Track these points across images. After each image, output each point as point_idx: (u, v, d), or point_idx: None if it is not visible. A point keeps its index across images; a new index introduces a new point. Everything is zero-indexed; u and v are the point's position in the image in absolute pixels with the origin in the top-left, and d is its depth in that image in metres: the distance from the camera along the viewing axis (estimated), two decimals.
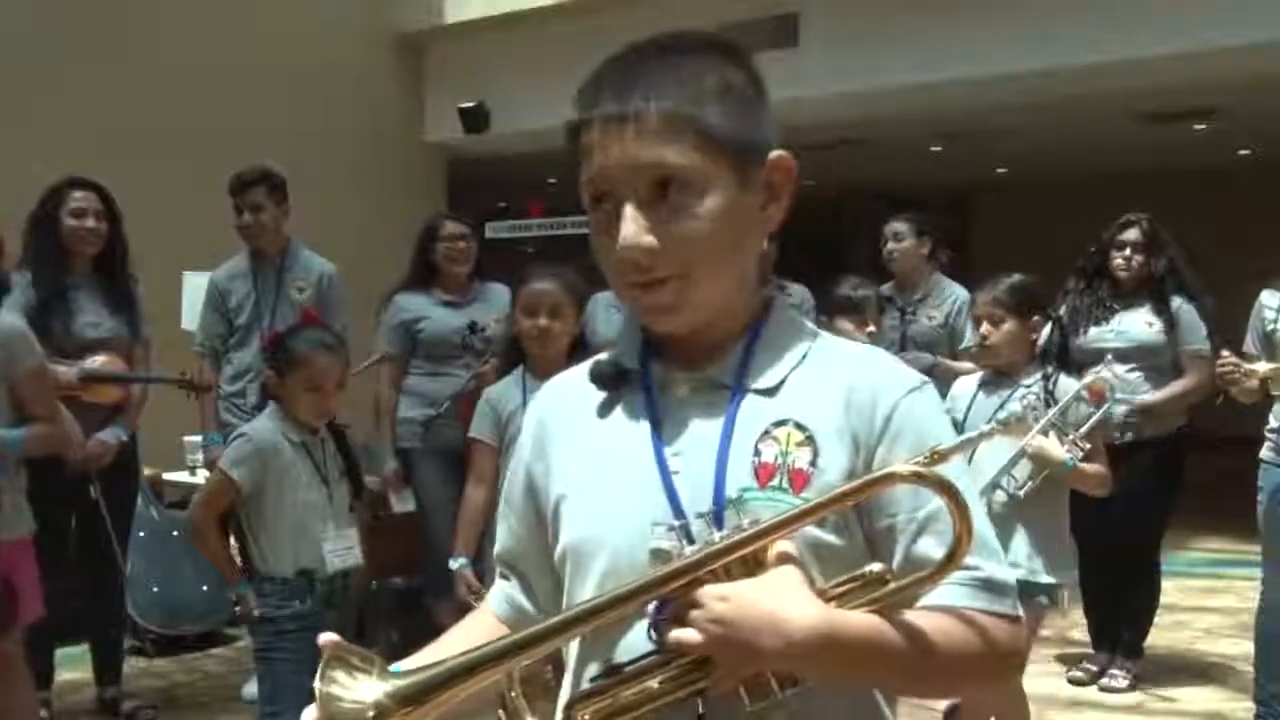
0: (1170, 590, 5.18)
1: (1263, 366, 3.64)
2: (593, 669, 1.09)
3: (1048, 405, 3.19)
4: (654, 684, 1.02)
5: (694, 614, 0.98)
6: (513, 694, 1.03)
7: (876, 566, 1.03)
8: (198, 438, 5.05)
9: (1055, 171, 11.77)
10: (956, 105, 8.04)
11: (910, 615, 1.03)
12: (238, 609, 3.12)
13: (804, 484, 1.07)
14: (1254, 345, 3.88)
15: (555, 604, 1.21)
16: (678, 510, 1.08)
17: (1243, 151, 10.88)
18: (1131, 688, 4.46)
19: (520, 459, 1.26)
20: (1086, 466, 3.19)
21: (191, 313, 5.71)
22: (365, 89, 9.28)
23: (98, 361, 3.97)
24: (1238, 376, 3.63)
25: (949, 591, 1.05)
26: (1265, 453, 3.80)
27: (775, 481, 1.08)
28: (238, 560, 3.28)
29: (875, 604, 1.02)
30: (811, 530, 1.04)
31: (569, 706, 1.06)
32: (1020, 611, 1.08)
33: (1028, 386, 3.24)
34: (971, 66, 6.91)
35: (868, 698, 1.11)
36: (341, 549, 3.06)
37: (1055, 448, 3.13)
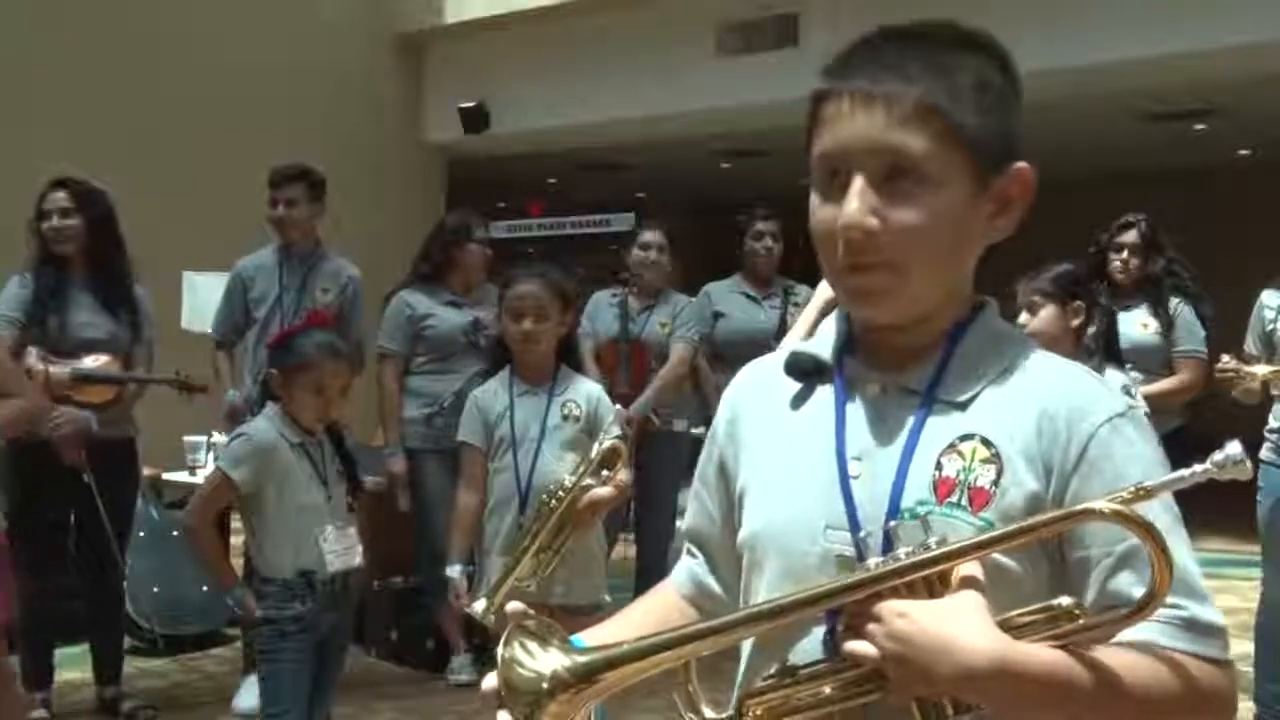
0: None
1: (1262, 369, 3.63)
2: (767, 666, 1.08)
3: None
4: (826, 689, 1.02)
5: (872, 628, 0.96)
6: (690, 686, 1.04)
7: (1066, 600, 0.99)
8: (198, 438, 5.05)
9: (1055, 171, 11.76)
10: None
11: (1102, 652, 0.98)
12: (238, 611, 3.11)
13: (984, 503, 1.03)
14: (1254, 345, 3.88)
15: (739, 585, 1.21)
16: (853, 517, 1.07)
17: (1243, 151, 10.88)
18: None
19: (714, 440, 1.25)
20: None
21: (191, 313, 5.73)
22: (365, 89, 9.29)
23: (91, 362, 3.97)
24: (1238, 379, 3.62)
25: (1148, 629, 0.99)
26: (1265, 453, 3.80)
27: (954, 498, 1.04)
28: (239, 561, 3.27)
29: (1061, 639, 0.97)
30: (993, 554, 1.00)
31: (742, 700, 1.06)
32: (1229, 657, 1.03)
33: None
34: None
35: None
36: (341, 549, 3.04)
37: None
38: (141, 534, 4.82)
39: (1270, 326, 3.82)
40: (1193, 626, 1.01)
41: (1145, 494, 0.96)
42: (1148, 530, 0.95)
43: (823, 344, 1.18)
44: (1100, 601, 1.01)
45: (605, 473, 2.92)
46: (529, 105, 9.13)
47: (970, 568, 0.98)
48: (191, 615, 4.88)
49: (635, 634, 1.06)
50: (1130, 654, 0.99)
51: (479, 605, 2.85)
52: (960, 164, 1.05)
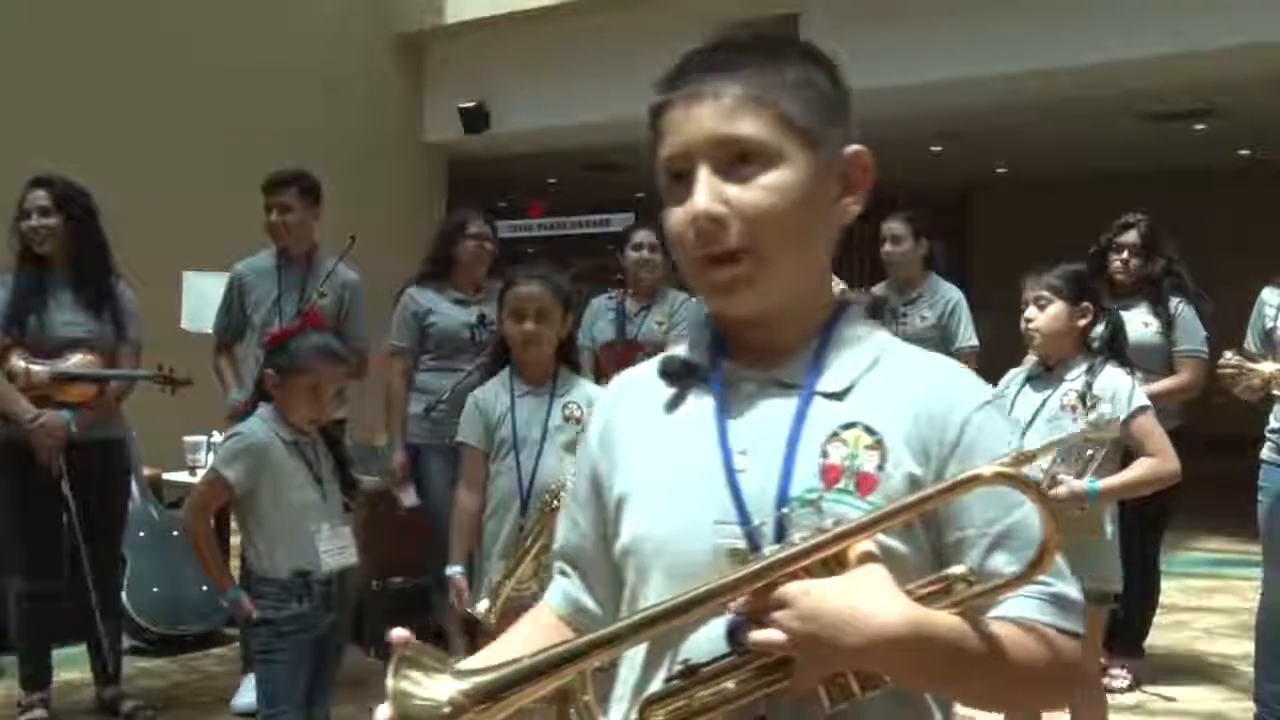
0: (1170, 590, 5.18)
1: (1268, 367, 3.63)
2: (662, 669, 1.08)
3: (1083, 400, 3.08)
4: (730, 685, 1.01)
5: (780, 614, 0.97)
6: (585, 696, 1.03)
7: (959, 569, 1.03)
8: (198, 438, 5.05)
9: (1055, 171, 11.78)
10: (956, 105, 8.04)
11: (990, 622, 1.03)
12: (236, 612, 3.11)
13: (871, 488, 1.07)
14: (1254, 343, 3.88)
15: (615, 601, 1.21)
16: (742, 510, 1.08)
17: (1243, 151, 10.88)
18: (1131, 688, 4.45)
19: (587, 454, 1.26)
20: (1133, 471, 3.06)
21: (191, 313, 5.72)
22: (365, 89, 9.29)
23: (74, 361, 3.97)
24: (1240, 376, 3.62)
25: (1021, 604, 1.05)
26: (1266, 452, 3.80)
27: (841, 484, 1.07)
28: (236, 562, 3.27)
29: (955, 607, 1.01)
30: (879, 535, 1.03)
31: (644, 706, 1.05)
32: (1083, 629, 1.09)
33: (1070, 381, 3.09)
34: (971, 66, 6.92)
35: (925, 710, 1.10)
36: (336, 548, 3.04)
37: (1075, 484, 2.96)
38: (141, 534, 4.82)
39: (1271, 324, 3.82)
40: (1059, 601, 1.07)
41: (1028, 458, 1.01)
42: (1034, 487, 1.00)
43: (694, 347, 1.20)
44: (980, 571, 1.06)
45: None
46: (529, 105, 9.13)
47: (866, 545, 1.00)
48: (191, 615, 4.88)
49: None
50: (1009, 625, 1.04)
51: (480, 606, 2.85)
52: (795, 146, 1.09)
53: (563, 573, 1.28)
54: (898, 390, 1.11)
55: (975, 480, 1.00)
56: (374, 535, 4.56)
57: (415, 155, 9.97)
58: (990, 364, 3.37)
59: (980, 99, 7.71)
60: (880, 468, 1.08)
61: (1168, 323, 4.37)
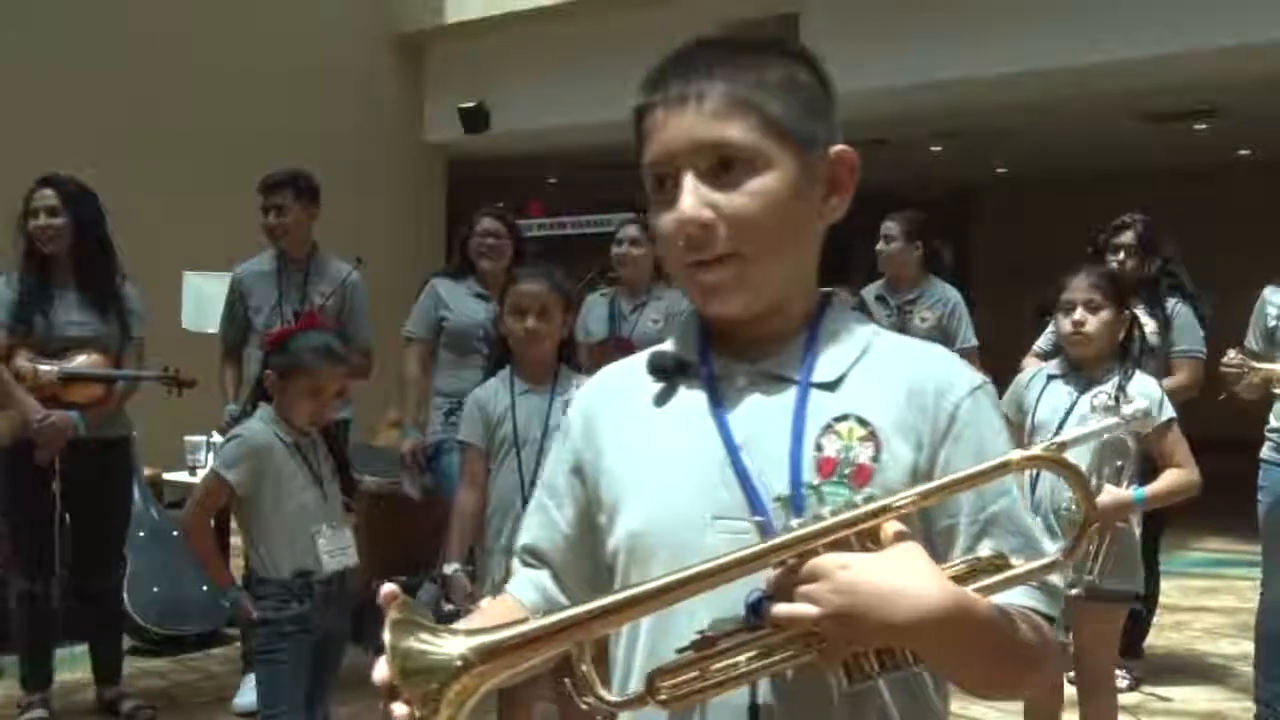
0: (1170, 590, 5.18)
1: (1270, 367, 3.63)
2: (666, 641, 1.06)
3: (1117, 403, 3.07)
4: (743, 659, 1.00)
5: (813, 586, 0.95)
6: (584, 666, 0.99)
7: (987, 552, 1.04)
8: (198, 438, 5.05)
9: (1055, 171, 11.77)
10: (956, 105, 8.04)
11: (1008, 607, 1.04)
12: (236, 612, 3.11)
13: (866, 479, 1.07)
14: (1256, 342, 3.88)
15: (587, 598, 1.20)
16: (755, 500, 1.07)
17: (1243, 151, 10.88)
18: (1131, 688, 4.45)
19: (567, 448, 1.24)
20: (1165, 481, 3.04)
21: (191, 313, 5.73)
22: (365, 89, 9.29)
23: (80, 361, 3.97)
24: (1243, 374, 3.61)
25: (1020, 592, 1.07)
26: (1265, 452, 3.80)
27: (836, 476, 1.08)
28: (240, 562, 3.27)
29: (983, 591, 1.02)
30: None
31: (652, 677, 1.01)
32: (1058, 614, 1.11)
33: (1102, 385, 3.07)
34: (971, 66, 6.92)
35: (923, 693, 1.11)
36: (337, 549, 3.04)
37: (1120, 493, 2.97)
38: (141, 534, 4.82)
39: (1273, 324, 3.82)
40: (1047, 589, 1.09)
41: (1060, 448, 1.02)
42: (1071, 469, 1.02)
43: (682, 342, 1.20)
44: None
45: None
46: (529, 105, 9.12)
47: (898, 524, 0.99)
48: (191, 615, 4.88)
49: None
50: (1015, 610, 1.05)
51: (483, 604, 2.84)
52: (781, 149, 1.09)
53: (529, 565, 1.26)
54: (890, 377, 1.12)
55: (1007, 466, 1.02)
56: (374, 535, 4.57)
57: (415, 155, 9.96)
58: (990, 363, 3.37)
59: (980, 99, 7.71)
60: (875, 458, 1.08)
61: (1165, 323, 4.36)
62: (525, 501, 3.00)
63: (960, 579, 1.01)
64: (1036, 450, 1.02)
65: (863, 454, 1.08)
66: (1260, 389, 3.65)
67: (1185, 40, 6.50)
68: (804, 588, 0.96)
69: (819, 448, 1.09)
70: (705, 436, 1.12)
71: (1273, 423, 3.79)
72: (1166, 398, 3.13)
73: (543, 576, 1.24)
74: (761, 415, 1.12)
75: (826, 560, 0.96)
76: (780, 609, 0.97)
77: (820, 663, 0.98)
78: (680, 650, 1.03)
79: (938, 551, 1.06)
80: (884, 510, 0.98)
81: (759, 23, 7.82)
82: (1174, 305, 4.39)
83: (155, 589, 4.81)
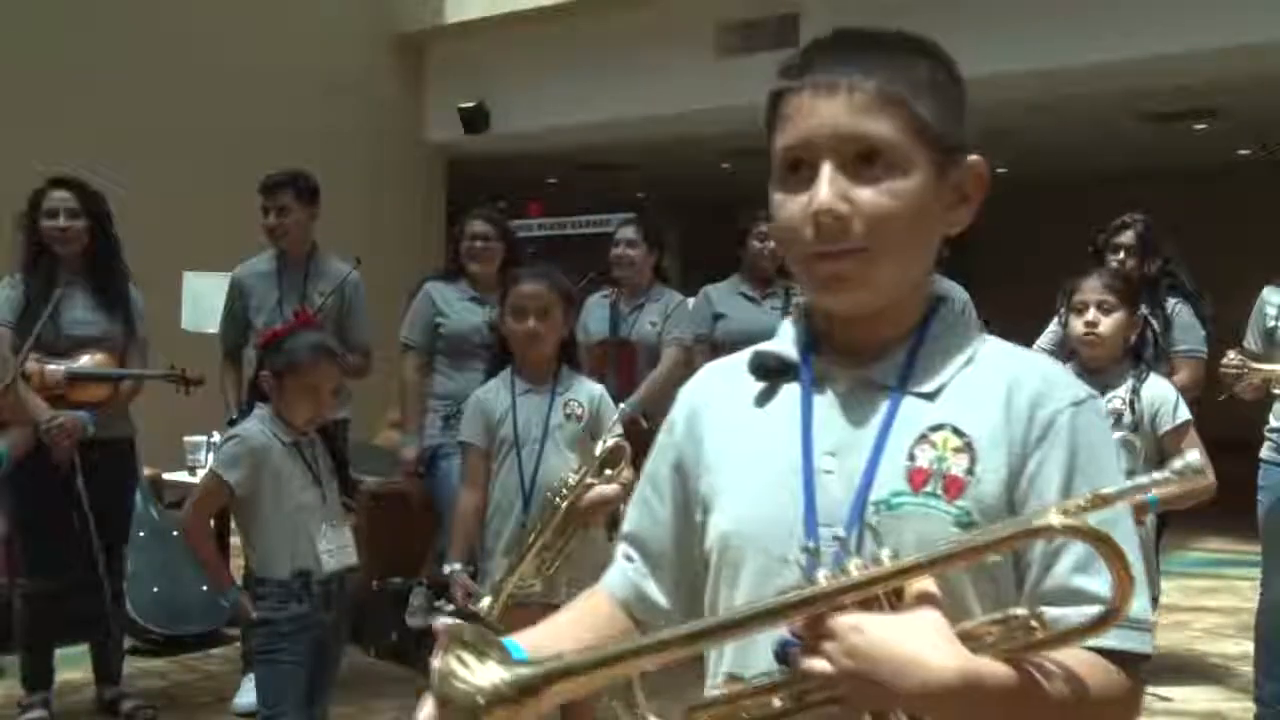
0: (1170, 590, 5.18)
1: (1270, 367, 3.62)
2: (720, 677, 1.07)
3: (1131, 407, 3.07)
4: (776, 702, 1.00)
5: (829, 645, 0.94)
6: (637, 700, 1.02)
7: (1021, 611, 0.99)
8: (198, 438, 5.04)
9: (1055, 171, 11.77)
10: None
11: (1053, 661, 0.98)
12: (236, 612, 3.11)
13: (959, 491, 1.04)
14: (1255, 342, 3.88)
15: (682, 594, 1.20)
16: (812, 518, 1.07)
17: (1243, 151, 10.88)
18: None
19: (670, 440, 1.24)
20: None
21: (191, 313, 5.72)
22: (365, 89, 9.29)
23: (86, 360, 3.97)
24: (1243, 374, 3.61)
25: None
26: (1265, 452, 3.80)
27: (929, 487, 1.05)
28: (240, 562, 3.27)
29: (1015, 653, 0.97)
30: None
31: (690, 711, 1.04)
32: (1150, 649, 1.03)
33: (1116, 389, 3.08)
34: (972, 66, 6.85)
35: None
36: (336, 548, 3.04)
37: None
38: (141, 534, 4.82)
39: (1272, 324, 3.82)
40: (1130, 623, 1.00)
41: (1101, 501, 0.95)
42: (1106, 542, 0.93)
43: (786, 342, 1.18)
44: (1043, 590, 1.02)
45: (608, 472, 2.92)
46: (529, 105, 9.12)
47: (925, 583, 0.96)
48: (191, 615, 4.88)
49: (570, 643, 1.06)
50: (1077, 657, 0.99)
51: (484, 604, 2.85)
52: (920, 152, 1.08)
53: (627, 557, 1.26)
54: (990, 386, 1.09)
55: (1043, 531, 0.95)
56: (374, 535, 4.57)
57: (415, 155, 9.96)
58: None
59: (981, 99, 7.67)
60: (969, 471, 1.05)
61: (1165, 324, 4.36)
62: (526, 502, 3.05)
63: (992, 638, 0.98)
64: (1074, 519, 0.93)
65: (956, 466, 1.05)
66: (1260, 389, 3.65)
67: (1185, 40, 6.50)
68: (824, 645, 0.95)
69: (911, 457, 1.06)
70: (794, 443, 1.11)
71: (1272, 423, 3.79)
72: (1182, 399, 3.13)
73: (635, 570, 1.24)
74: (855, 423, 1.10)
75: (840, 621, 0.95)
76: (802, 662, 0.97)
77: (846, 711, 0.98)
78: (714, 688, 1.04)
79: (1020, 566, 1.03)
80: (910, 569, 0.96)
81: (759, 23, 7.83)
82: (1174, 305, 4.38)
83: (155, 589, 4.81)
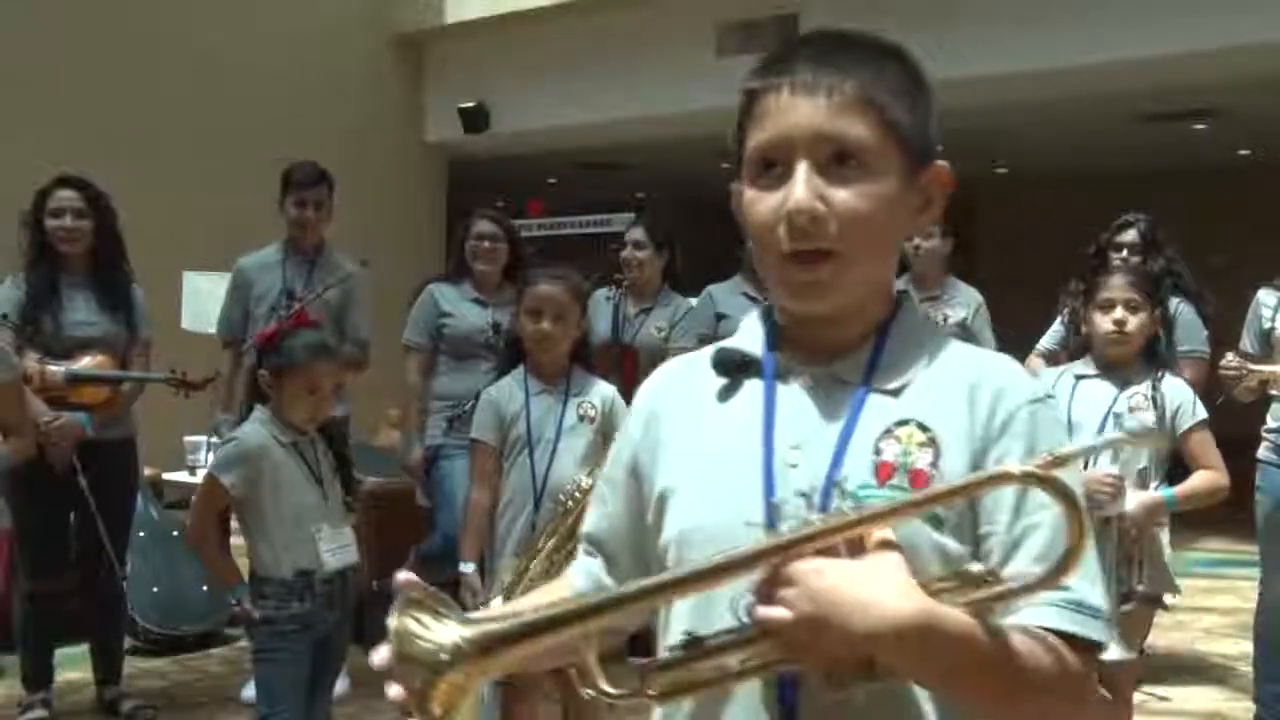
0: None
1: (1269, 368, 3.62)
2: (678, 637, 1.06)
3: (1154, 403, 3.07)
4: (733, 660, 1.00)
5: (787, 591, 0.94)
6: (589, 656, 0.99)
7: (976, 567, 1.01)
8: (198, 438, 5.04)
9: (1055, 171, 11.77)
10: (957, 105, 8.03)
11: (1002, 624, 1.00)
12: (237, 609, 3.10)
13: (924, 484, 1.06)
14: (1251, 344, 3.87)
15: None
16: (769, 508, 1.08)
17: (1243, 151, 10.88)
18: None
19: (627, 440, 1.24)
20: (1194, 483, 3.04)
21: (191, 313, 5.73)
22: (365, 89, 9.29)
23: (87, 361, 3.96)
24: (1242, 376, 3.61)
25: (1039, 610, 1.02)
26: (1263, 452, 3.80)
27: (895, 480, 1.07)
28: (240, 561, 3.26)
29: (970, 607, 0.98)
30: (934, 535, 1.04)
31: (645, 672, 1.02)
32: (1103, 637, 1.04)
33: (1136, 385, 3.07)
34: (972, 66, 6.91)
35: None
36: (338, 548, 3.04)
37: (1148, 496, 2.98)
38: (141, 534, 4.82)
39: (1268, 325, 3.82)
40: (1079, 607, 1.02)
41: (1059, 461, 0.96)
42: (1063, 492, 0.94)
43: (749, 339, 1.19)
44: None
45: None
46: (529, 105, 9.12)
47: (885, 532, 0.97)
48: (191, 615, 4.88)
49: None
50: (1023, 630, 1.00)
51: (494, 605, 2.84)
52: (893, 155, 1.09)
53: (588, 553, 1.27)
54: (953, 382, 1.11)
55: (1003, 478, 0.98)
56: (375, 535, 4.56)
57: (415, 155, 9.96)
58: None
59: (980, 99, 7.71)
60: (934, 464, 1.07)
61: (1167, 323, 4.35)
62: (537, 502, 3.04)
63: (947, 593, 0.99)
64: (1035, 466, 0.96)
65: (921, 459, 1.07)
66: (1258, 391, 3.65)
67: (1185, 40, 6.50)
68: (780, 591, 0.95)
69: (878, 451, 1.08)
70: (756, 438, 1.11)
71: (1271, 423, 3.79)
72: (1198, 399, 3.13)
73: (596, 566, 1.25)
74: (818, 418, 1.11)
75: (799, 565, 0.95)
76: (757, 611, 0.96)
77: (804, 668, 0.98)
78: (671, 649, 1.03)
79: (978, 558, 1.04)
80: (871, 518, 0.97)
81: (759, 23, 7.83)
82: (1176, 305, 4.37)
83: (155, 589, 4.81)
